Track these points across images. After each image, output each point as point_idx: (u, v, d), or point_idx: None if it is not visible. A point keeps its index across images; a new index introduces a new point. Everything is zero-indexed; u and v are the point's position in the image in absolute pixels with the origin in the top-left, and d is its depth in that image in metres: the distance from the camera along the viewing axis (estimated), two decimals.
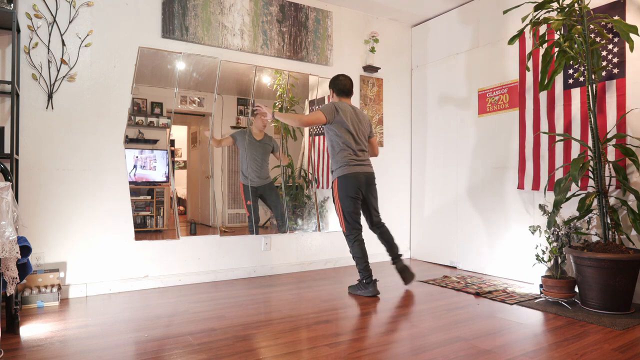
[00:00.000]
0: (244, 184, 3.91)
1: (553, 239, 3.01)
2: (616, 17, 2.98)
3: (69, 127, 3.12)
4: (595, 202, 2.98)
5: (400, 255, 3.30)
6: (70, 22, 3.09)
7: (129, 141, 3.36)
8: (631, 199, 2.89)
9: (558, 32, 2.95)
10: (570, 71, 3.27)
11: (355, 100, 4.44)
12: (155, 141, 3.55)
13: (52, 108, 3.06)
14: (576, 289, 2.94)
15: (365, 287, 3.12)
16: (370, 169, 3.26)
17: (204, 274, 3.60)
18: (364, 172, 3.18)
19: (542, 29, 3.41)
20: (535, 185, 3.49)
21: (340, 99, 3.27)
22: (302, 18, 4.12)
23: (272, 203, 4.03)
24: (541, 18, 2.98)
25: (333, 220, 4.22)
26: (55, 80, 3.06)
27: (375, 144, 3.40)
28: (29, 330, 2.37)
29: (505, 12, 3.21)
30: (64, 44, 3.08)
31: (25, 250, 2.17)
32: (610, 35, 3.04)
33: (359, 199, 3.17)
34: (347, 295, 3.19)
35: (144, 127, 3.49)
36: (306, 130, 4.23)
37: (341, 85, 3.26)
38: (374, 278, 3.16)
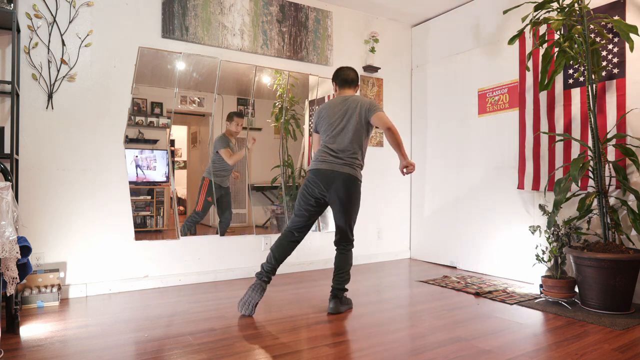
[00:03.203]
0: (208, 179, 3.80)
1: (553, 239, 3.01)
2: (616, 17, 2.98)
3: (69, 127, 3.12)
4: (595, 202, 2.98)
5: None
6: (70, 22, 3.09)
7: (129, 141, 3.36)
8: (631, 199, 2.89)
9: (558, 32, 2.95)
10: (570, 71, 3.27)
11: None
12: (155, 141, 3.55)
13: (52, 108, 3.06)
14: (576, 289, 2.94)
15: (348, 301, 2.86)
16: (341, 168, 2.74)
17: (204, 274, 3.60)
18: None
19: (542, 29, 3.41)
20: (535, 185, 3.49)
21: (341, 91, 2.94)
22: (302, 18, 4.12)
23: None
24: (541, 18, 2.98)
25: (333, 220, 4.19)
26: (55, 80, 3.06)
27: (378, 122, 2.72)
28: (29, 330, 2.37)
29: (505, 12, 3.21)
30: (64, 44, 3.08)
31: (25, 250, 2.17)
32: (610, 35, 3.04)
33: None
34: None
35: (144, 127, 3.49)
36: (306, 130, 4.23)
37: (344, 75, 2.92)
38: None
